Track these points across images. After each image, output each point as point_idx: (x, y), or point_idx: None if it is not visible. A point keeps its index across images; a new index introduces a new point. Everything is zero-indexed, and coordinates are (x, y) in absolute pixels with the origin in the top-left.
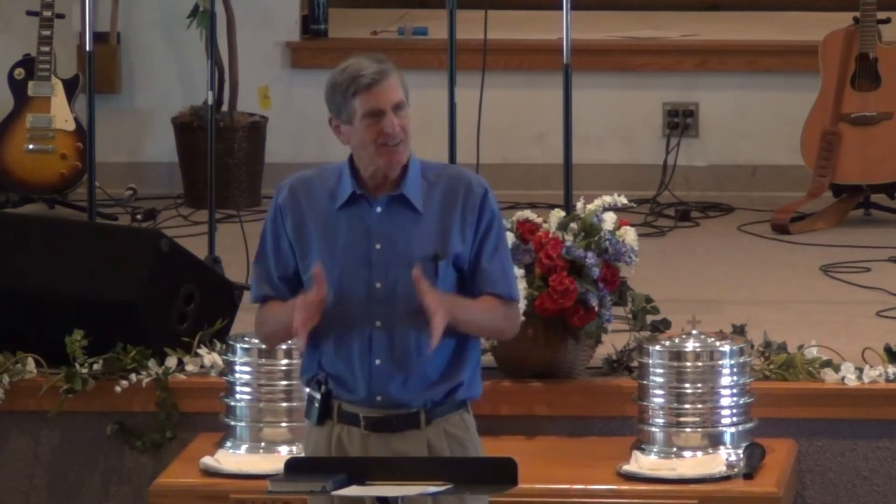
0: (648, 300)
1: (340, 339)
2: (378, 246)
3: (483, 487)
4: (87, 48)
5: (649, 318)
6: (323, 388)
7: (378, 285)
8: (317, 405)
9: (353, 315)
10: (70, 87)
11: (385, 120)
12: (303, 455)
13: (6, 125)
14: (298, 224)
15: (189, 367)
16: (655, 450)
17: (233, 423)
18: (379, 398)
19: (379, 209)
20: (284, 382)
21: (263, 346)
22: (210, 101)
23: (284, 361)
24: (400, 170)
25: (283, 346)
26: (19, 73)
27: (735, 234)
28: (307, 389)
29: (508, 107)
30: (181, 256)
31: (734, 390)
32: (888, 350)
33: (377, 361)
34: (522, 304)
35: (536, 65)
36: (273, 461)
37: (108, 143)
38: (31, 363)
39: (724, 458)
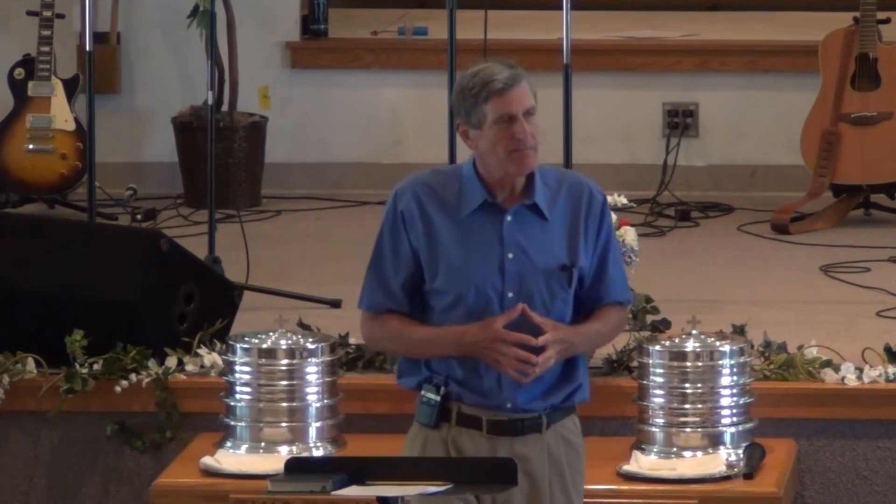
0: (648, 300)
1: None
2: (511, 255)
3: (483, 487)
4: (87, 48)
5: (649, 318)
6: (442, 390)
7: (510, 294)
8: (434, 407)
9: None
10: (70, 87)
11: (517, 125)
12: (305, 455)
13: (6, 125)
14: (427, 231)
15: (189, 367)
16: (655, 450)
17: (233, 423)
18: (509, 405)
19: (510, 218)
20: (284, 382)
21: (264, 346)
22: (210, 101)
23: (284, 361)
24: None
25: (284, 347)
26: (19, 73)
27: (735, 234)
28: (422, 392)
29: None
30: (181, 256)
31: (734, 390)
32: (888, 350)
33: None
34: None
35: (536, 65)
36: (273, 461)
37: (108, 143)
38: (31, 363)
39: (724, 458)
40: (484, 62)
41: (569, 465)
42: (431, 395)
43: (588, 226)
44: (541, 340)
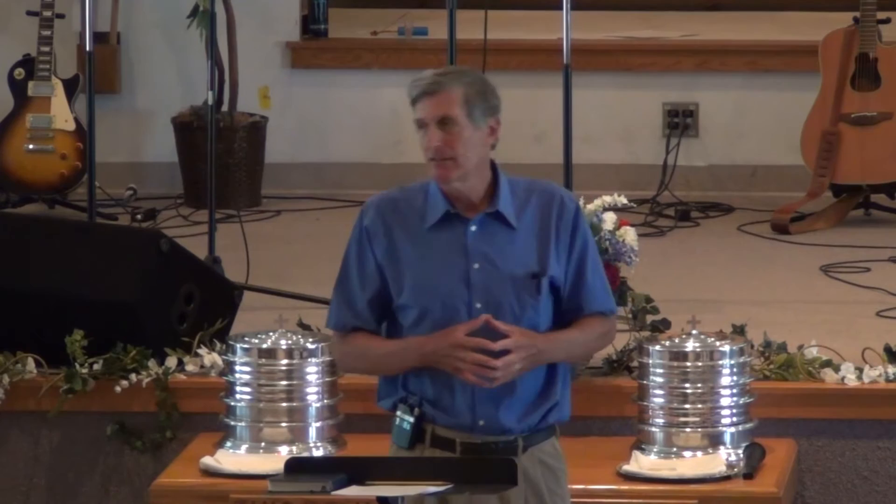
0: (648, 300)
1: None
2: (476, 266)
3: (483, 487)
4: (87, 48)
5: (649, 318)
6: (416, 410)
7: (478, 306)
8: (408, 428)
9: None
10: (70, 87)
11: (429, 133)
12: (305, 455)
13: (6, 125)
14: (389, 246)
15: (189, 367)
16: (655, 450)
17: (233, 423)
18: (482, 422)
19: (474, 228)
20: (284, 382)
21: (264, 346)
22: (210, 101)
23: (284, 361)
24: (487, 187)
25: (284, 347)
26: (19, 73)
27: (735, 234)
28: (397, 413)
29: (508, 107)
30: (181, 256)
31: (734, 390)
32: (888, 350)
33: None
34: None
35: (536, 65)
36: (273, 461)
37: (108, 143)
38: (31, 363)
39: (724, 458)
40: (432, 69)
41: (549, 489)
42: (406, 416)
43: (560, 234)
44: (500, 344)
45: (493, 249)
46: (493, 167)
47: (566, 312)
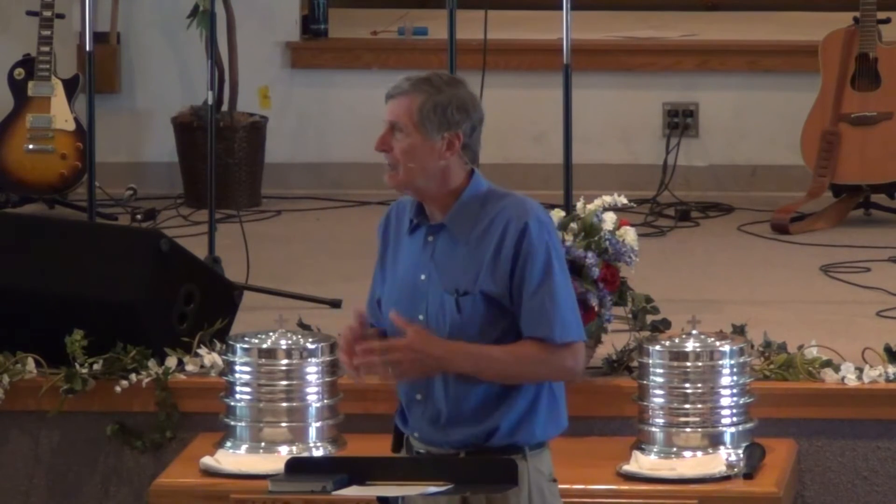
0: (648, 300)
1: None
2: (423, 277)
3: (483, 487)
4: (87, 48)
5: (649, 318)
6: (398, 417)
7: (421, 317)
8: (398, 434)
9: None
10: (70, 87)
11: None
12: (305, 455)
13: (6, 125)
14: (384, 251)
15: (189, 367)
16: (655, 450)
17: (233, 423)
18: (416, 434)
19: (430, 238)
20: (284, 382)
21: (264, 346)
22: (210, 101)
23: (284, 361)
24: (445, 196)
25: (284, 347)
26: (19, 73)
27: (735, 234)
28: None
29: (508, 107)
30: (181, 256)
31: (734, 390)
32: (888, 350)
33: (418, 396)
34: None
35: (536, 65)
36: (273, 461)
37: (108, 143)
38: (31, 363)
39: (724, 458)
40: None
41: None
42: (398, 423)
43: (499, 252)
44: (379, 345)
45: (438, 262)
46: (473, 177)
47: (521, 332)
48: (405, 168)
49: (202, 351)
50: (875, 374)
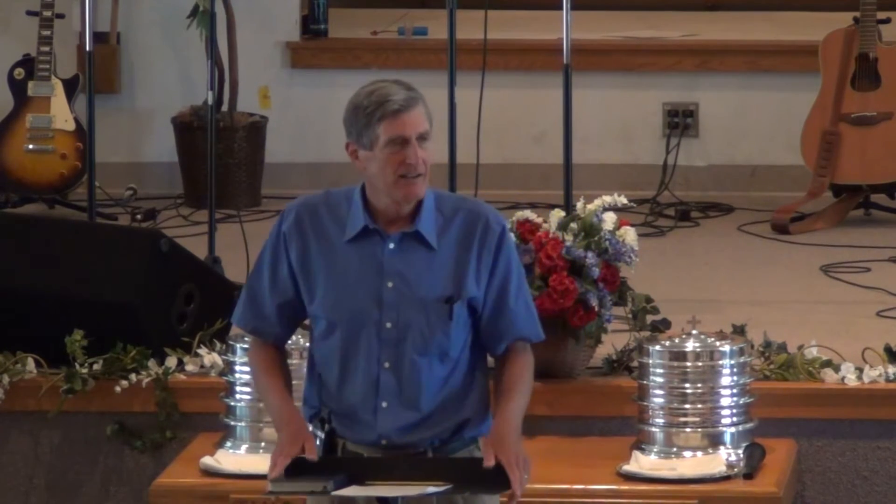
0: (648, 300)
1: (345, 378)
2: (390, 284)
3: (483, 487)
4: (87, 48)
5: (649, 318)
6: (327, 426)
7: (388, 325)
8: (319, 444)
9: (360, 355)
10: (70, 87)
11: (409, 149)
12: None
13: (6, 125)
14: (303, 254)
15: (189, 367)
16: (655, 450)
17: (233, 423)
18: (384, 441)
19: (392, 245)
20: None
21: None
22: (210, 101)
23: None
24: (414, 203)
25: None
26: (19, 73)
27: (735, 234)
28: (310, 427)
29: (508, 107)
30: (181, 256)
31: (734, 390)
32: (888, 350)
33: (384, 404)
34: None
35: (536, 65)
36: None
37: (108, 143)
38: (31, 363)
39: (724, 458)
40: (381, 82)
41: (463, 498)
42: (317, 432)
43: (481, 257)
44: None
45: (409, 269)
46: None
47: (486, 337)
48: (427, 175)
49: (202, 351)
50: (875, 374)
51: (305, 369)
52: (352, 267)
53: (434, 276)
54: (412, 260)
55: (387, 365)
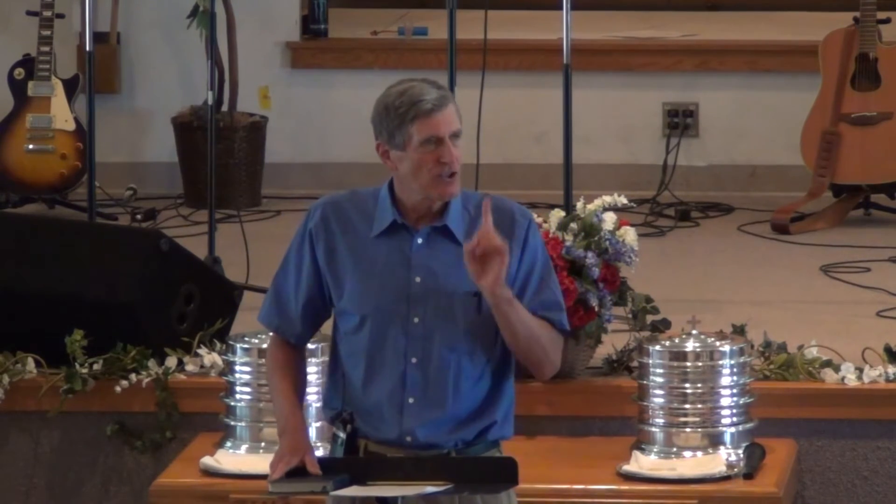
0: (648, 300)
1: (372, 373)
2: (418, 279)
3: (483, 487)
4: (87, 48)
5: (649, 318)
6: (349, 427)
7: (416, 320)
8: (340, 444)
9: (387, 350)
10: (70, 87)
11: (443, 149)
12: None
13: (6, 125)
14: (331, 250)
15: (189, 367)
16: (655, 450)
17: (233, 423)
18: (409, 438)
19: (420, 240)
20: None
21: (264, 346)
22: (210, 101)
23: None
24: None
25: None
26: (19, 73)
27: (735, 234)
28: (333, 427)
29: (508, 107)
30: (181, 256)
31: (734, 390)
32: (888, 350)
33: (410, 400)
34: None
35: (536, 65)
36: None
37: (108, 143)
38: (31, 363)
39: (724, 458)
40: (411, 81)
41: (483, 500)
42: (339, 433)
43: (511, 249)
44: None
45: (438, 264)
46: None
47: None
48: (460, 173)
49: (202, 351)
50: (875, 374)
51: (326, 372)
52: (379, 261)
53: (462, 270)
54: (440, 254)
55: (414, 360)
